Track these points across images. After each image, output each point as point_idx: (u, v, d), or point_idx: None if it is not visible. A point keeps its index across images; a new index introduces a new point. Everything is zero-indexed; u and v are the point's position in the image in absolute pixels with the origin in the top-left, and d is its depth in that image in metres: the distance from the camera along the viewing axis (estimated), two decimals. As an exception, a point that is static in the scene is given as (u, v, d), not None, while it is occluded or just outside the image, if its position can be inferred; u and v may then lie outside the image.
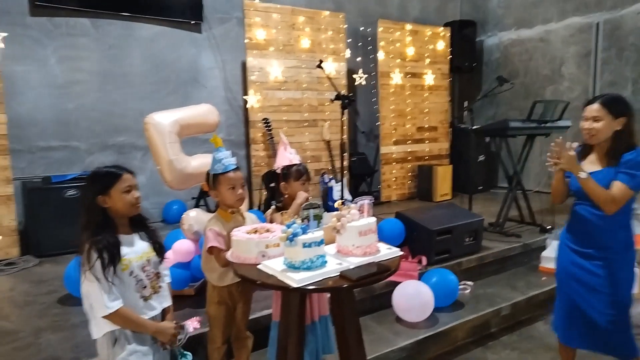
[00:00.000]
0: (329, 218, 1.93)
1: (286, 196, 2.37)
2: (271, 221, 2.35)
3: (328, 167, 5.80)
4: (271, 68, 5.24)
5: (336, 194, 5.50)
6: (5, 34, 3.79)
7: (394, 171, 6.38)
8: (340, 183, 5.60)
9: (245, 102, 5.26)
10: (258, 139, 5.24)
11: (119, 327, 1.80)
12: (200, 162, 3.03)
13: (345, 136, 5.61)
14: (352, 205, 1.94)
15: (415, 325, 3.14)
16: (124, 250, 1.83)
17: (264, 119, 5.09)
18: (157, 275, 1.96)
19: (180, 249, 2.91)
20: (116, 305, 1.76)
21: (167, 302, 2.00)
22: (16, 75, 4.37)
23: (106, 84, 4.92)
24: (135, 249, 1.88)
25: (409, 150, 6.49)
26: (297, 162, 2.40)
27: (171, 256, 2.91)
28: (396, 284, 3.31)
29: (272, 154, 5.04)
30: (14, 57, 4.27)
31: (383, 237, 3.87)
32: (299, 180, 2.35)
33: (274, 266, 1.77)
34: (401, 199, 6.45)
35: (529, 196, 4.87)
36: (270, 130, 5.09)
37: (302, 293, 1.73)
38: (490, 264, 3.98)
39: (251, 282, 1.73)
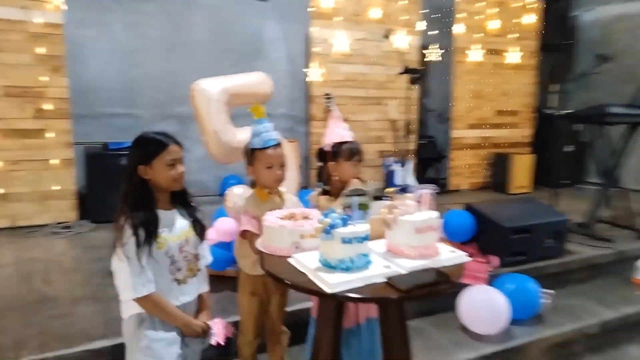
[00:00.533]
0: (380, 208, 1.59)
1: (335, 178, 2.05)
2: (316, 206, 2.05)
3: (393, 150, 5.39)
4: (336, 40, 4.88)
5: (399, 179, 5.11)
6: (69, -4, 3.76)
7: (465, 158, 5.83)
8: (404, 167, 5.21)
9: (308, 75, 4.96)
10: (318, 115, 4.93)
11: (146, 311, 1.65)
12: (248, 135, 2.77)
13: (413, 115, 5.19)
14: (409, 194, 1.58)
15: (482, 337, 2.72)
16: (161, 227, 1.65)
17: (325, 94, 4.77)
18: (196, 257, 1.79)
19: (223, 227, 2.71)
20: (145, 290, 1.60)
21: (204, 287, 1.83)
22: (82, 39, 4.36)
23: (170, 52, 4.82)
24: (174, 227, 1.70)
25: (484, 135, 5.90)
26: (350, 139, 2.05)
27: (214, 235, 2.71)
28: (462, 285, 2.91)
29: (333, 132, 4.72)
30: (80, 21, 4.26)
31: (449, 231, 3.49)
32: (350, 161, 2.01)
33: (307, 262, 1.47)
34: (472, 188, 5.90)
35: (628, 195, 4.19)
36: (330, 106, 4.76)
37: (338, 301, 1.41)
38: (574, 271, 3.43)
39: (277, 279, 1.44)
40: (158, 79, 4.84)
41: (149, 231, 1.61)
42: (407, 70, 3.25)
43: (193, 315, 1.80)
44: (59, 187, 3.89)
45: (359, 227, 1.43)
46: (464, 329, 2.79)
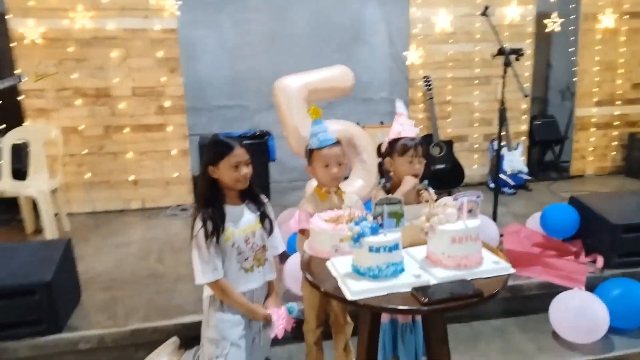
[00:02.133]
0: (417, 212, 1.56)
1: (391, 174, 2.04)
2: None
3: (501, 132, 5.01)
4: (438, 18, 4.65)
5: (508, 165, 4.76)
6: (180, 2, 4.16)
7: (592, 139, 5.19)
8: (514, 152, 4.83)
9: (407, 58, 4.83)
10: (417, 99, 4.80)
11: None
12: (330, 129, 2.86)
13: (526, 94, 4.78)
14: (449, 201, 1.53)
15: (574, 345, 2.50)
16: (229, 221, 1.84)
17: (424, 77, 4.61)
18: (264, 248, 1.96)
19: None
20: (212, 277, 1.81)
21: (271, 276, 1.99)
22: (195, 39, 4.81)
23: (273, 44, 5.07)
24: (240, 221, 1.88)
25: (617, 113, 5.17)
26: (407, 135, 2.00)
27: (293, 225, 2.87)
28: (557, 287, 2.69)
29: (430, 116, 4.57)
30: (192, 22, 4.69)
31: (549, 227, 3.20)
32: (403, 157, 1.96)
33: (340, 266, 1.52)
34: (599, 173, 5.25)
35: None
36: (430, 89, 4.59)
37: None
38: None
39: (309, 282, 1.52)
40: (262, 71, 5.12)
41: (216, 225, 1.80)
42: (500, 52, 3.00)
43: (261, 301, 1.99)
44: (177, 174, 4.41)
45: (388, 236, 1.44)
46: (555, 335, 2.58)
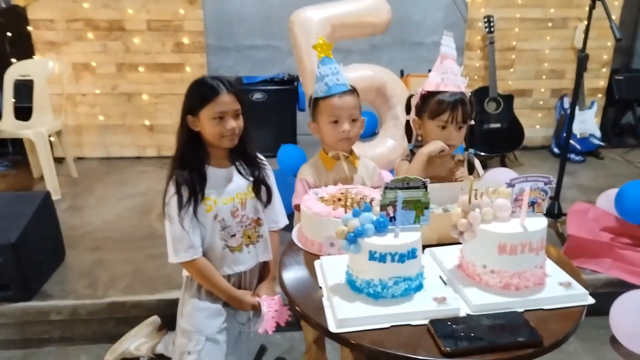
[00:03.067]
0: (451, 194, 1.04)
1: (418, 139, 1.51)
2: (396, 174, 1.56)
3: (574, 88, 4.23)
4: (507, -57, 3.83)
5: (578, 127, 4.01)
6: None
7: (686, 100, 4.31)
8: (587, 111, 4.06)
9: (467, -7, 4.08)
10: (475, 44, 4.07)
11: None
12: (356, 75, 2.31)
13: (609, 42, 3.97)
14: (502, 188, 1.00)
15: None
16: (210, 188, 1.46)
17: (485, 17, 3.86)
18: (257, 223, 1.56)
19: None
20: (186, 256, 1.45)
21: (266, 256, 1.61)
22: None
23: (311, -25, 4.42)
24: (226, 188, 1.49)
25: None
26: (448, 88, 1.45)
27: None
28: (629, 287, 2.14)
29: (488, 65, 3.86)
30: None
31: (627, 208, 2.55)
32: (436, 119, 1.43)
33: (331, 272, 1.05)
34: (692, 142, 4.40)
35: None
36: (492, 32, 3.85)
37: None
38: None
39: (281, 286, 1.06)
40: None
41: (193, 191, 1.42)
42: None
43: (253, 286, 1.59)
44: (196, 121, 4.02)
45: (401, 239, 0.95)
46: (615, 342, 2.07)
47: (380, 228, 0.95)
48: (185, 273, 1.56)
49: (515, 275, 0.96)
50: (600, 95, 4.26)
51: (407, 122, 1.55)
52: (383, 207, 0.97)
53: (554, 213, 2.73)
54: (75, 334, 2.08)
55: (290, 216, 1.65)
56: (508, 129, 3.85)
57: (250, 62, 4.61)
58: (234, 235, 1.52)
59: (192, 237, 1.44)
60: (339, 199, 1.25)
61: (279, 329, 1.93)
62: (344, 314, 0.90)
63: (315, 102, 1.51)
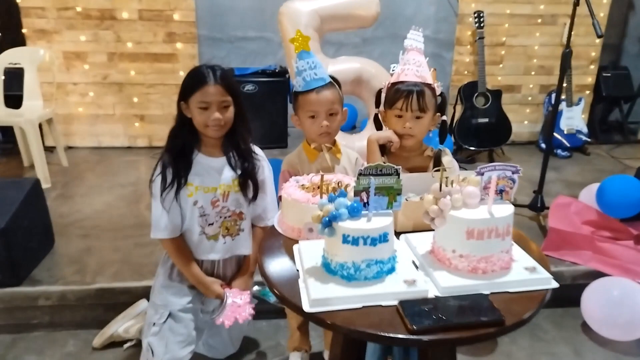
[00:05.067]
0: (425, 184, 1.08)
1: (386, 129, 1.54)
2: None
3: (561, 84, 4.29)
4: (498, -61, 3.86)
5: (565, 122, 4.08)
6: None
7: (671, 97, 4.38)
8: (574, 107, 4.12)
9: (458, -12, 4.11)
10: (465, 39, 4.11)
11: None
12: (344, 67, 2.34)
13: (595, 39, 4.02)
14: (471, 176, 1.05)
15: (617, 345, 2.05)
16: (195, 175, 1.52)
17: (475, 12, 3.89)
18: (239, 216, 1.60)
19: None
20: (162, 234, 1.54)
21: (244, 250, 1.64)
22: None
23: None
24: (210, 178, 1.53)
25: None
26: (408, 78, 1.44)
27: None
28: (600, 275, 2.21)
29: (477, 61, 3.90)
30: None
31: (607, 202, 2.60)
32: (392, 108, 1.44)
33: (308, 256, 1.10)
34: (676, 138, 4.48)
35: None
36: (481, 27, 3.88)
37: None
38: None
39: (260, 270, 1.10)
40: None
41: (177, 175, 1.49)
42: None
43: (227, 276, 1.64)
44: (187, 111, 4.03)
45: (373, 223, 0.99)
46: (589, 331, 2.14)
47: (353, 213, 0.99)
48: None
49: (482, 260, 1.00)
50: (588, 92, 4.32)
51: (376, 115, 1.59)
52: (357, 193, 1.01)
53: (537, 206, 2.79)
54: (63, 319, 2.11)
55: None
56: (496, 123, 3.90)
57: (242, 53, 4.61)
58: (211, 224, 1.56)
59: (170, 217, 1.51)
60: (319, 187, 1.29)
61: (264, 315, 1.98)
62: (318, 295, 0.95)
63: (295, 96, 1.54)
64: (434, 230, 1.08)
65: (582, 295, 2.14)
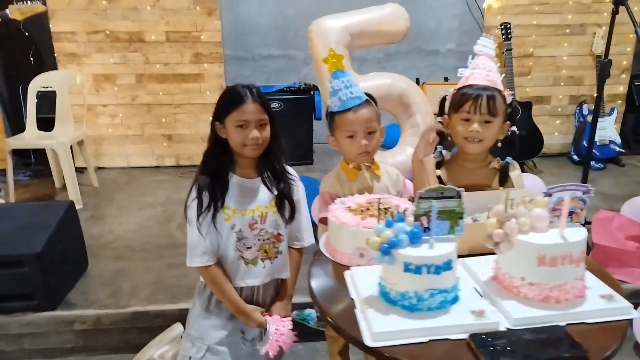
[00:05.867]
0: (482, 203, 1.03)
1: (448, 138, 1.47)
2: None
3: (592, 94, 4.19)
4: (524, -50, 3.81)
5: (598, 133, 3.95)
6: None
7: None
8: (607, 118, 4.01)
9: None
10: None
11: None
12: (375, 83, 2.30)
13: (628, 47, 3.92)
14: (539, 197, 0.99)
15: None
16: (231, 197, 1.45)
17: (502, 24, 3.84)
18: (277, 239, 1.52)
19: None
20: (199, 261, 1.45)
21: (284, 274, 1.57)
22: (239, -22, 4.29)
23: (326, -16, 4.44)
24: (248, 200, 1.47)
25: None
26: (477, 82, 1.39)
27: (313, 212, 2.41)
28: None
29: (506, 73, 3.83)
30: (236, -41, 4.17)
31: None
32: (459, 111, 1.37)
33: (364, 283, 1.04)
34: None
35: None
36: (509, 39, 3.82)
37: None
38: None
39: (313, 299, 1.05)
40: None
41: (214, 198, 1.42)
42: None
43: (267, 301, 1.58)
44: (213, 130, 4.04)
45: (437, 250, 0.93)
46: (637, 348, 2.02)
47: (414, 239, 0.94)
48: (201, 278, 1.55)
49: (555, 288, 0.94)
50: (620, 102, 4.20)
51: (440, 123, 1.53)
52: (417, 217, 0.95)
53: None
54: (98, 343, 2.09)
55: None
56: (527, 136, 3.81)
57: (266, 71, 4.64)
58: (249, 248, 1.49)
59: (208, 243, 1.43)
60: (367, 209, 1.24)
61: (300, 339, 1.91)
62: (380, 328, 0.89)
63: (331, 116, 1.49)
64: (493, 253, 1.02)
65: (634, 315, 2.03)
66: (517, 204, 0.98)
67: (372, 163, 1.55)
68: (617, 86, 4.17)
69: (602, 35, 3.96)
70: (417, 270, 0.91)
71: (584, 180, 2.69)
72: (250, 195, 1.49)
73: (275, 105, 3.96)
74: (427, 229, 0.96)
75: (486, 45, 1.47)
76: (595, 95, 4.15)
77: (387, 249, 0.93)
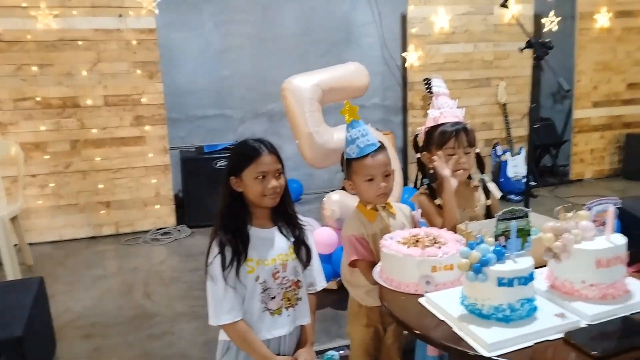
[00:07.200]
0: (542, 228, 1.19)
1: (431, 171, 1.68)
2: (421, 208, 1.71)
3: (502, 136, 4.80)
4: (436, 17, 4.38)
5: (511, 170, 4.53)
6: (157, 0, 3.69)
7: (590, 141, 5.04)
8: (517, 156, 4.60)
9: (404, 60, 4.54)
10: (417, 104, 4.51)
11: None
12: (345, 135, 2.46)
13: (526, 96, 4.59)
14: (581, 212, 1.17)
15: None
16: (252, 249, 1.45)
17: (424, 79, 4.31)
18: (297, 285, 1.54)
19: (321, 239, 2.43)
20: (228, 318, 1.42)
21: (305, 320, 1.57)
22: (174, 43, 4.32)
23: (259, 48, 4.65)
24: (269, 249, 1.48)
25: (614, 114, 5.05)
26: (448, 120, 1.63)
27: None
28: None
29: (435, 121, 4.27)
30: (171, 24, 4.21)
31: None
32: (444, 149, 1.60)
33: (446, 305, 1.12)
34: (598, 177, 5.10)
35: None
36: (431, 92, 4.28)
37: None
38: None
39: (409, 329, 1.11)
40: (248, 76, 4.70)
41: (236, 252, 1.42)
42: (530, 44, 2.72)
43: (291, 351, 1.56)
44: (156, 193, 3.89)
45: (522, 263, 1.06)
46: None
47: (500, 256, 1.05)
48: (222, 338, 1.51)
49: (610, 286, 1.10)
50: (524, 143, 4.84)
51: (418, 159, 1.72)
52: (497, 238, 1.07)
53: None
54: None
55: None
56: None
57: (202, 132, 4.63)
58: (274, 298, 1.49)
59: (234, 299, 1.42)
60: (417, 240, 1.34)
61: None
62: (493, 339, 0.97)
63: (349, 162, 1.60)
64: (543, 265, 1.17)
65: None
66: (566, 218, 1.15)
67: (387, 203, 1.66)
68: (521, 129, 4.83)
69: (504, 87, 4.62)
70: (510, 283, 1.02)
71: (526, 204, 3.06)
72: (269, 245, 1.51)
73: (222, 163, 3.95)
74: (504, 247, 1.08)
75: (441, 85, 1.73)
76: (503, 137, 4.79)
77: (479, 268, 1.03)
